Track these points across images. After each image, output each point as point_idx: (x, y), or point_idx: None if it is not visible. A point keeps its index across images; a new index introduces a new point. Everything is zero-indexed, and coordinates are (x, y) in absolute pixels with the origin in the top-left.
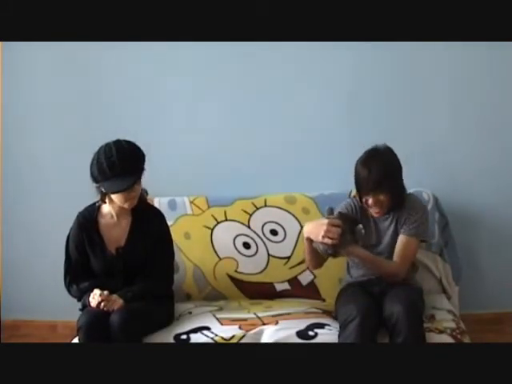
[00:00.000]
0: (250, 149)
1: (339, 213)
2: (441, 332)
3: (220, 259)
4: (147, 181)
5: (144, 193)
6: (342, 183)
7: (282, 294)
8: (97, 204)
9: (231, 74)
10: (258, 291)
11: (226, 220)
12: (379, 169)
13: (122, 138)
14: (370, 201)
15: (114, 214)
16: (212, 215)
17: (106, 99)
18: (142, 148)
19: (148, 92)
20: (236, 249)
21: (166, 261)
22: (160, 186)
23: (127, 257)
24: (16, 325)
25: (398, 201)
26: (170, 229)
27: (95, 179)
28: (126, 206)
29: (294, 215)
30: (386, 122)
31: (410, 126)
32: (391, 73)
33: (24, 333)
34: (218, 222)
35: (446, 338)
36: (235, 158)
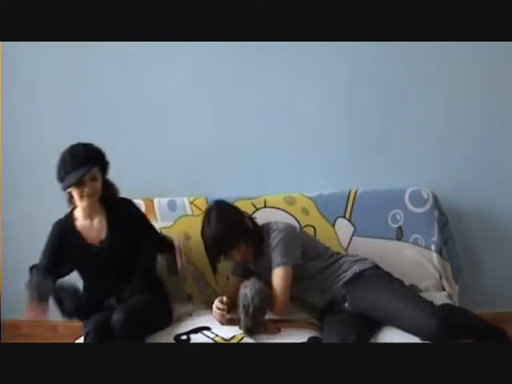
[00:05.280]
0: (249, 149)
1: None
2: None
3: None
4: (147, 181)
5: (113, 189)
6: (341, 183)
7: None
8: (70, 211)
9: (231, 75)
10: None
11: None
12: (211, 237)
13: (120, 137)
14: (237, 257)
15: (86, 214)
16: None
17: (106, 99)
18: (143, 147)
19: (148, 92)
20: None
21: (151, 243)
22: (160, 186)
23: (112, 247)
24: (16, 325)
25: (255, 239)
26: (170, 230)
27: (59, 182)
28: (83, 202)
29: (293, 216)
30: (385, 121)
31: (409, 125)
32: (390, 73)
33: (24, 333)
34: None
35: None
36: (235, 158)
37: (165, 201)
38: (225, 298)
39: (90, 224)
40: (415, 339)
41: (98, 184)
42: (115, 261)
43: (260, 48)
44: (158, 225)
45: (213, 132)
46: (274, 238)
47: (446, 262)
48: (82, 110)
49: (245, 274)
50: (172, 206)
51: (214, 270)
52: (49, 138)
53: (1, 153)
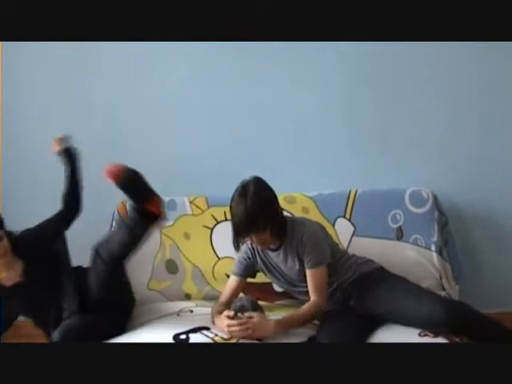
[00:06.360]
0: (249, 149)
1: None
2: (436, 336)
3: (219, 259)
4: (148, 181)
5: (13, 235)
6: (341, 183)
7: (282, 295)
8: None
9: (231, 75)
10: (257, 291)
11: (226, 220)
12: (244, 212)
13: (120, 137)
14: (255, 239)
15: (4, 269)
16: (212, 215)
17: (106, 99)
18: (143, 147)
19: (148, 92)
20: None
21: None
22: (160, 186)
23: (32, 274)
24: (16, 325)
25: (280, 230)
26: (170, 229)
27: None
28: None
29: (293, 215)
30: (385, 121)
31: (409, 125)
32: (390, 73)
33: (24, 333)
34: (218, 222)
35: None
36: (235, 158)
37: (165, 200)
38: (231, 313)
39: (8, 274)
40: (415, 338)
41: (5, 241)
42: (42, 284)
43: (260, 48)
44: None
45: (213, 132)
46: (306, 237)
47: (446, 262)
48: (82, 111)
49: (247, 275)
50: (172, 205)
51: (238, 246)
52: (49, 138)
53: (1, 153)
